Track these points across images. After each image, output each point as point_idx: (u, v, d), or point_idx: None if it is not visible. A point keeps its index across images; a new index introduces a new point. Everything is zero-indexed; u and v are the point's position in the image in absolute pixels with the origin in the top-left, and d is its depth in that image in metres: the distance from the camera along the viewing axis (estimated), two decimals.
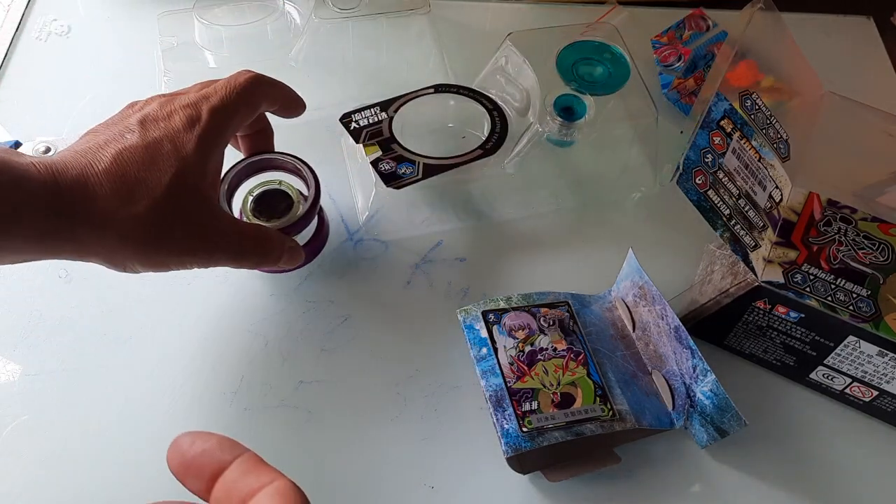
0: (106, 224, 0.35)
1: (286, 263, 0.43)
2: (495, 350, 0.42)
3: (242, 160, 0.45)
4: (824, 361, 0.42)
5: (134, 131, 0.37)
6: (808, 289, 0.40)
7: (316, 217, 0.46)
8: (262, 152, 0.45)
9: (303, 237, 0.46)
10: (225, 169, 0.43)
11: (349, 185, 0.52)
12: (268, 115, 0.45)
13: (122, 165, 0.35)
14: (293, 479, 0.23)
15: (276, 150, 0.46)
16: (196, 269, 0.40)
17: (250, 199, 0.45)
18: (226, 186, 0.44)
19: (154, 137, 0.36)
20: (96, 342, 0.45)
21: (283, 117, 0.44)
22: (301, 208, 0.44)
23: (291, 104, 0.44)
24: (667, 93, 0.57)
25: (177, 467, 0.24)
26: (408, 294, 0.48)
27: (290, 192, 0.45)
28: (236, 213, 0.45)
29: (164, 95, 0.40)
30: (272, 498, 0.22)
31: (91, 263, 0.36)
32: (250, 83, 0.40)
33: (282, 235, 0.43)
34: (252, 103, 0.40)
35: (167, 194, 0.36)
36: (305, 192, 0.45)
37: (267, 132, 0.46)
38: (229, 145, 0.41)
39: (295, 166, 0.45)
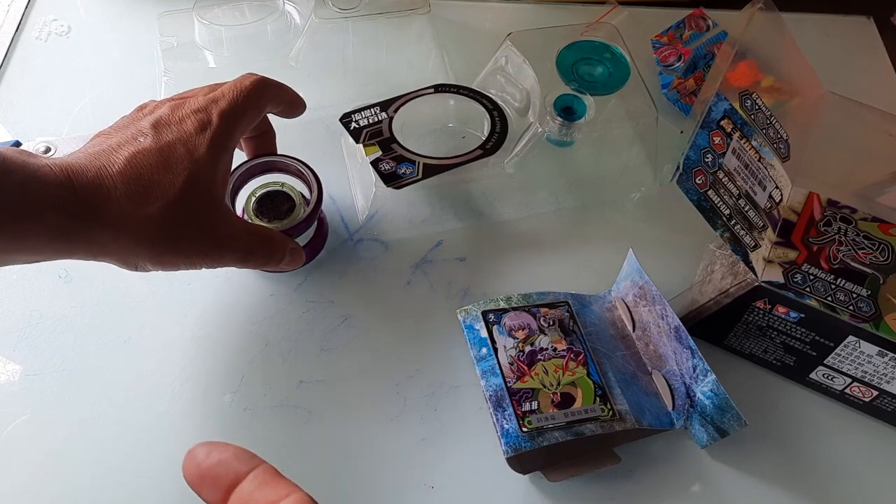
0: (121, 225, 0.35)
1: (288, 265, 0.44)
2: (495, 350, 0.42)
3: (246, 162, 0.46)
4: (824, 361, 0.42)
5: (147, 135, 0.37)
6: (808, 289, 0.40)
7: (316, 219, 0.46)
8: (265, 154, 0.46)
9: (303, 238, 0.46)
10: None
11: (349, 185, 0.52)
12: (269, 115, 0.45)
13: (136, 168, 0.36)
14: (298, 484, 0.23)
15: (279, 151, 0.47)
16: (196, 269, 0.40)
17: (253, 199, 0.45)
18: (230, 187, 0.44)
19: (167, 141, 0.37)
20: (96, 342, 0.45)
21: (285, 118, 0.45)
22: (303, 211, 0.45)
23: (294, 105, 0.44)
24: (667, 93, 0.57)
25: (192, 478, 0.24)
26: (408, 294, 0.48)
27: (292, 195, 0.45)
28: (239, 214, 0.45)
29: (173, 99, 0.40)
30: None
31: (93, 263, 0.37)
32: (256, 86, 0.40)
33: (285, 237, 0.43)
34: (259, 106, 0.41)
35: (180, 197, 0.36)
36: (307, 194, 0.46)
37: (270, 134, 0.46)
38: None
39: (298, 169, 0.46)
